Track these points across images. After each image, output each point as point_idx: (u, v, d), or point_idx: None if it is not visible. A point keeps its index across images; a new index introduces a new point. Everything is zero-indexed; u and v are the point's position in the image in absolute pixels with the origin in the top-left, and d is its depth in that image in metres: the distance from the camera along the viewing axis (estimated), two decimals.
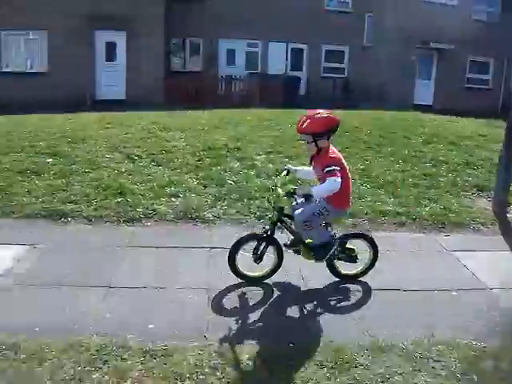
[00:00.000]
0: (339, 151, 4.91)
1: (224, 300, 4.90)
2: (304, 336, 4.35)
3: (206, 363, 3.86)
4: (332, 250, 5.01)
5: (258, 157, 9.25)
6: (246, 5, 22.07)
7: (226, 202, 7.39)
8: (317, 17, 23.17)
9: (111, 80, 20.04)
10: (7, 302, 4.71)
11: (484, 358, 4.09)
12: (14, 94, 18.15)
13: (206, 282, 5.17)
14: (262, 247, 5.03)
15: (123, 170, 8.34)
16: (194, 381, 3.69)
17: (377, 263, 5.33)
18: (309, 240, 4.98)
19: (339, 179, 4.54)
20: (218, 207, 7.25)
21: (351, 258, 5.18)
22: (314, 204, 4.82)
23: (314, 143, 4.72)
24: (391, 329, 4.40)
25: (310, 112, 4.80)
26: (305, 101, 20.17)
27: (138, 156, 8.98)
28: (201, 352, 4.00)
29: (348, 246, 5.19)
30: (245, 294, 5.00)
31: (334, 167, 4.58)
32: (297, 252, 5.16)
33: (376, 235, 5.93)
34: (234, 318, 4.57)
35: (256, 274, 5.17)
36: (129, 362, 3.86)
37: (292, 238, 5.13)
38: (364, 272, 5.32)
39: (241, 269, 5.08)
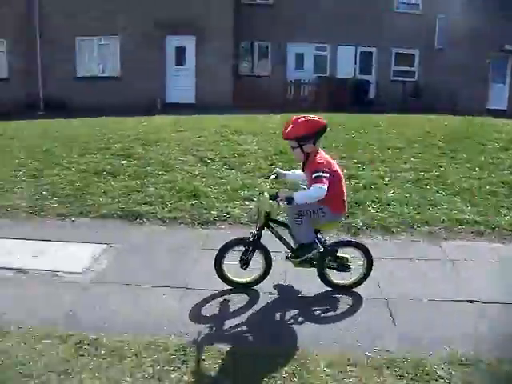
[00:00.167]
0: (333, 157, 4.80)
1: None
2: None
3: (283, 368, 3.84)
4: (311, 254, 4.85)
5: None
6: (314, 8, 22.04)
7: None
8: (386, 19, 22.80)
9: (181, 84, 20.48)
10: (86, 300, 4.90)
11: None
12: (88, 97, 18.94)
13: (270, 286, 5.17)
14: (248, 252, 4.94)
15: (196, 172, 8.48)
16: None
17: (456, 273, 5.12)
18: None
19: (325, 186, 4.42)
20: None
21: (343, 266, 4.97)
22: (310, 204, 4.69)
23: (299, 148, 4.64)
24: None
25: (295, 117, 4.71)
26: (374, 105, 19.87)
27: (210, 159, 9.11)
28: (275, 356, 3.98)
29: (341, 254, 4.98)
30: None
31: (321, 173, 4.46)
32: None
33: (453, 244, 5.73)
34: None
35: (243, 280, 5.08)
36: (206, 364, 3.90)
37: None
38: (358, 282, 5.07)
39: (228, 274, 5.03)
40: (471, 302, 4.91)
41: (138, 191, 7.69)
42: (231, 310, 4.76)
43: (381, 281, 5.23)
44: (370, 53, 24.67)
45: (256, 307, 4.80)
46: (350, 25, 22.01)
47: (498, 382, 3.85)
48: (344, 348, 4.12)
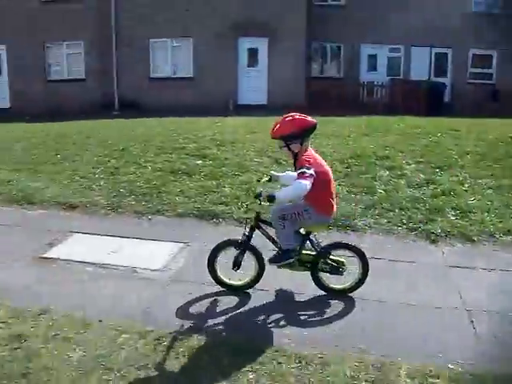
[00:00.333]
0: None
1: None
2: None
3: (363, 376, 3.79)
4: (288, 261, 4.80)
5: (408, 166, 8.96)
6: (388, 9, 21.63)
7: (376, 211, 7.24)
8: (462, 19, 22.06)
9: (253, 85, 20.63)
10: (163, 297, 5.05)
11: None
12: (161, 98, 19.43)
13: (357, 291, 5.10)
14: (238, 254, 4.94)
15: None
16: None
17: None
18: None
19: (307, 182, 4.36)
20: (369, 216, 7.11)
21: (337, 270, 4.90)
22: (297, 205, 4.73)
23: (286, 148, 4.64)
24: None
25: (283, 117, 4.69)
26: (450, 108, 19.31)
27: (285, 161, 9.08)
28: (357, 364, 3.92)
29: (336, 257, 4.92)
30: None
31: (304, 170, 4.41)
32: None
33: None
34: None
35: (236, 282, 5.09)
36: (284, 367, 3.89)
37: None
38: (353, 287, 4.98)
39: (221, 276, 5.06)
40: None
41: (214, 191, 7.81)
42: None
43: (462, 290, 5.11)
44: (445, 54, 23.96)
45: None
46: (425, 25, 21.44)
47: None
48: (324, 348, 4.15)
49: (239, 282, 5.09)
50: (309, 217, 4.70)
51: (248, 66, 21.21)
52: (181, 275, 5.46)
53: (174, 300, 4.93)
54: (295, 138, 4.57)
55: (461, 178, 8.32)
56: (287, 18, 19.87)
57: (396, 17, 21.42)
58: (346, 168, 8.88)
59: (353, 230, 6.77)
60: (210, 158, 9.27)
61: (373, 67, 23.87)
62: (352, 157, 9.39)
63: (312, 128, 4.65)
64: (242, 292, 5.08)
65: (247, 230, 4.96)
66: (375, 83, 22.15)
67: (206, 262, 5.05)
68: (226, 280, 5.09)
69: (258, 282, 5.07)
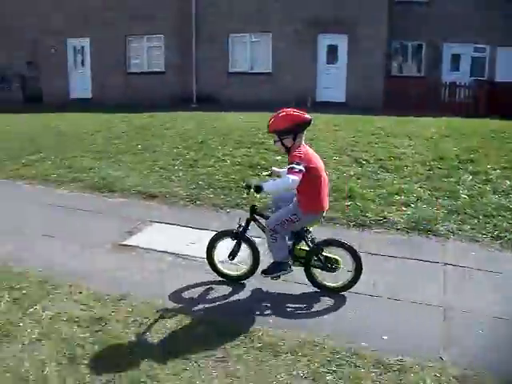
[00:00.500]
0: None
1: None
2: None
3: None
4: (282, 273, 4.94)
5: (493, 171, 8.60)
6: (473, 7, 20.84)
7: (459, 217, 6.99)
8: None
9: (331, 83, 20.43)
10: (242, 292, 5.08)
11: None
12: (238, 93, 19.60)
13: (441, 299, 4.97)
14: (234, 245, 5.12)
15: (352, 173, 8.42)
16: None
17: None
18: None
19: (295, 177, 4.44)
20: (452, 222, 6.88)
21: (329, 267, 4.96)
22: (286, 209, 4.85)
23: (279, 142, 4.75)
24: None
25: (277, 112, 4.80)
26: None
27: (365, 160, 8.97)
28: (438, 374, 3.81)
29: (330, 255, 4.96)
30: None
31: (294, 165, 4.49)
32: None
33: None
34: None
35: (233, 272, 5.28)
36: (362, 371, 3.84)
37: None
38: (346, 286, 4.99)
39: (219, 265, 5.27)
40: None
41: None
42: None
43: None
44: None
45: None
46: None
47: None
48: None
49: (236, 273, 5.29)
50: (297, 220, 4.79)
51: (327, 63, 21.02)
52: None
53: (252, 295, 4.98)
54: (288, 133, 4.67)
55: None
56: (368, 15, 19.54)
57: (481, 15, 20.62)
58: (428, 170, 8.63)
59: (434, 235, 6.58)
60: None
61: (455, 67, 23.09)
62: (434, 159, 9.11)
63: (305, 123, 4.71)
64: (237, 282, 5.24)
65: (243, 221, 5.14)
66: (458, 84, 21.42)
67: (205, 252, 5.26)
68: (224, 270, 5.29)
69: (253, 273, 5.20)
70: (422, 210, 7.16)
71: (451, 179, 8.25)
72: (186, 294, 5.04)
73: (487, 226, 6.73)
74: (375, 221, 6.85)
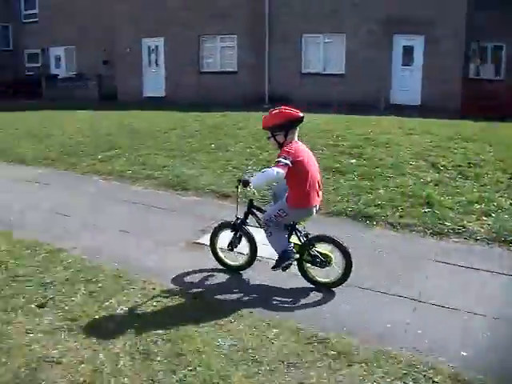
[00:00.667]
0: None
1: None
2: None
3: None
4: (288, 262, 5.07)
5: None
6: None
7: None
8: None
9: (406, 85, 19.99)
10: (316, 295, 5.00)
11: None
12: (311, 94, 19.50)
13: None
14: (232, 236, 5.43)
15: (429, 179, 8.18)
16: None
17: None
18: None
19: (279, 169, 4.65)
20: None
21: (320, 262, 5.09)
22: (276, 205, 5.15)
23: (272, 138, 5.01)
24: None
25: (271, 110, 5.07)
26: None
27: (443, 166, 8.70)
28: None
29: (322, 250, 5.10)
30: None
31: (281, 159, 4.72)
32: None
33: None
34: None
35: (233, 262, 5.58)
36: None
37: None
38: (337, 282, 5.11)
39: (220, 254, 5.60)
40: None
41: (368, 192, 7.65)
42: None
43: None
44: None
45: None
46: None
47: None
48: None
49: (235, 263, 5.59)
50: (285, 215, 5.03)
51: (402, 65, 20.59)
52: None
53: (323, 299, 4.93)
54: (280, 130, 4.93)
55: None
56: (446, 16, 18.98)
57: None
58: (510, 179, 8.28)
59: None
60: (365, 157, 9.12)
61: None
62: None
63: (296, 120, 4.95)
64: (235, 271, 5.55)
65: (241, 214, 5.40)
66: None
67: (209, 241, 5.63)
68: (225, 259, 5.62)
69: (251, 264, 5.50)
70: (504, 220, 6.86)
71: None
72: (250, 295, 5.04)
73: None
74: (453, 230, 6.61)
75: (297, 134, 5.03)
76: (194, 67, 22.66)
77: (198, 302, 4.84)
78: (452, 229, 6.63)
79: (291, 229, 5.19)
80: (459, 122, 12.62)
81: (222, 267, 5.61)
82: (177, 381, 3.72)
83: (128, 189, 8.99)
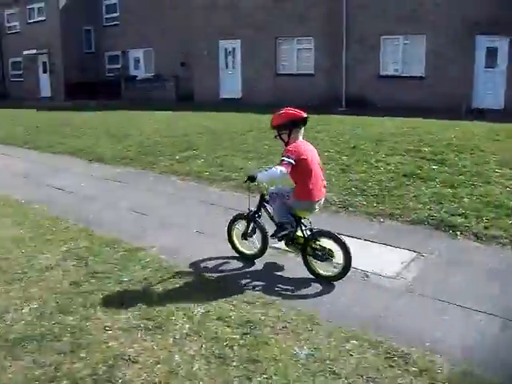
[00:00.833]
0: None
1: None
2: None
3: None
4: (285, 232, 5.48)
5: None
6: None
7: None
8: None
9: (488, 88, 19.20)
10: (395, 308, 4.79)
11: None
12: (388, 96, 19.12)
13: None
14: (245, 227, 5.80)
15: None
16: None
17: None
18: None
19: (282, 168, 5.05)
20: None
21: (321, 256, 5.29)
22: (285, 187, 5.54)
23: (278, 137, 5.42)
24: None
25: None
26: None
27: None
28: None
29: (324, 245, 5.28)
30: None
31: (284, 158, 5.13)
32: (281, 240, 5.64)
33: None
34: None
35: (247, 251, 5.93)
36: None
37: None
38: (338, 276, 5.26)
39: (236, 243, 5.98)
40: None
41: (451, 200, 7.32)
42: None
43: None
44: None
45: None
46: None
47: None
48: None
49: (249, 252, 5.92)
50: (288, 198, 5.42)
51: (485, 67, 19.80)
52: (415, 287, 5.14)
53: (407, 312, 4.68)
54: (284, 129, 5.34)
55: None
56: None
57: None
58: None
59: None
60: (447, 163, 8.74)
61: None
62: None
63: (299, 120, 5.32)
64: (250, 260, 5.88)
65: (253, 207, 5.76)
66: None
67: (226, 231, 6.02)
68: (241, 248, 5.98)
69: (263, 253, 5.82)
70: None
71: None
72: (341, 304, 4.88)
73: None
74: None
75: (301, 134, 5.40)
76: (270, 69, 22.70)
77: (274, 309, 4.76)
78: None
79: (297, 223, 5.47)
80: None
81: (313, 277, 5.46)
82: None
83: (205, 190, 9.04)
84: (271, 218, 5.69)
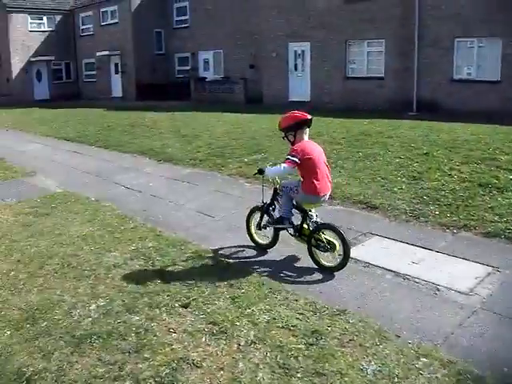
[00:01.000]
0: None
1: None
2: None
3: None
4: (281, 226, 6.07)
5: None
6: None
7: None
8: None
9: None
10: (469, 326, 4.52)
11: None
12: (462, 101, 18.47)
13: None
14: (259, 218, 6.31)
15: None
16: None
17: None
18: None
19: (286, 166, 5.63)
20: None
21: (323, 247, 5.67)
22: (295, 181, 5.99)
23: (286, 137, 5.91)
24: None
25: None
26: None
27: None
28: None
29: (326, 237, 5.65)
30: None
31: (289, 156, 5.67)
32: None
33: None
34: None
35: (261, 241, 6.44)
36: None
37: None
38: (337, 267, 5.60)
39: (254, 234, 6.49)
40: None
41: None
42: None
43: None
44: None
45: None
46: None
47: None
48: None
49: (263, 242, 6.41)
50: (296, 192, 5.83)
51: None
52: (490, 305, 4.86)
53: (482, 332, 4.41)
54: (290, 130, 5.81)
55: None
56: None
57: None
58: None
59: None
60: None
61: None
62: None
63: (302, 121, 5.77)
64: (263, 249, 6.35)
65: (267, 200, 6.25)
66: None
67: (245, 222, 6.55)
68: (256, 238, 6.47)
69: (275, 244, 6.30)
70: None
71: None
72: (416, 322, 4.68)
73: None
74: None
75: (306, 134, 5.86)
76: (339, 72, 22.39)
77: (341, 320, 4.62)
78: None
79: (303, 215, 5.90)
80: None
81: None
82: None
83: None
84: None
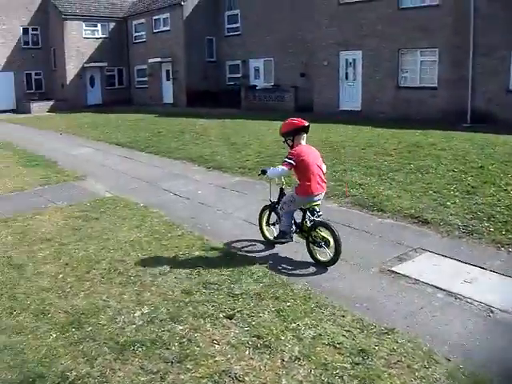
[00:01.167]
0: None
1: None
2: None
3: None
4: (281, 240, 6.56)
5: None
6: None
7: None
8: None
9: None
10: None
11: None
12: None
13: None
14: (268, 215, 6.95)
15: None
16: None
17: None
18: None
19: (283, 167, 6.17)
20: None
21: (318, 243, 6.14)
22: (288, 194, 6.52)
23: (285, 143, 6.43)
24: None
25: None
26: None
27: None
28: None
29: (322, 233, 6.10)
30: None
31: (286, 159, 6.19)
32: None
33: None
34: None
35: (270, 237, 6.89)
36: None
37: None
38: (330, 261, 6.04)
39: (265, 230, 6.98)
40: None
41: None
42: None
43: None
44: None
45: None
46: None
47: None
48: None
49: (271, 237, 6.87)
50: (294, 200, 6.31)
51: None
52: None
53: None
54: (288, 135, 6.34)
55: None
56: None
57: None
58: None
59: None
60: None
61: None
62: None
63: (300, 128, 6.26)
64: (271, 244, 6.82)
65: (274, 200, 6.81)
66: None
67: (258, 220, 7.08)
68: (266, 233, 6.97)
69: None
70: None
71: None
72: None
73: None
74: None
75: (304, 139, 6.32)
76: (391, 81, 22.06)
77: (389, 339, 4.46)
78: None
79: (303, 213, 6.38)
80: None
81: None
82: None
83: (322, 205, 8.76)
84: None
